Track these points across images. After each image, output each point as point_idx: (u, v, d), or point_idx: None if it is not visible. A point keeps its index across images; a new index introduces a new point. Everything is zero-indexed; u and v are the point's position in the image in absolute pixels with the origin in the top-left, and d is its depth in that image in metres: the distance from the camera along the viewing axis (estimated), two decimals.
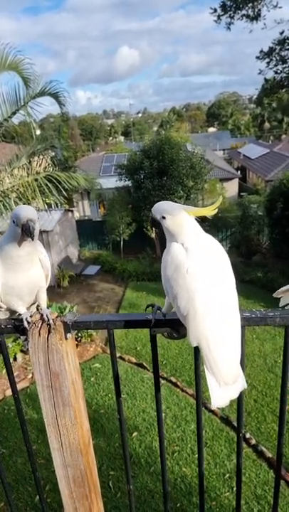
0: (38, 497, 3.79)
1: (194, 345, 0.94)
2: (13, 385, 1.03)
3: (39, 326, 0.94)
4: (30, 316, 0.97)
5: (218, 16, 9.62)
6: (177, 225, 1.00)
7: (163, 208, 1.02)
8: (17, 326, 0.96)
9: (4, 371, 6.00)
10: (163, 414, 5.06)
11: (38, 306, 1.11)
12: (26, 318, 0.96)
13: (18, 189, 6.11)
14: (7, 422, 5.00)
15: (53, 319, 0.94)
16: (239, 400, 1.11)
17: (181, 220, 1.00)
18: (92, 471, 1.05)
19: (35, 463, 1.08)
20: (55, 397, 0.95)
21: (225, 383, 0.94)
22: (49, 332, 0.92)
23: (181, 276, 0.94)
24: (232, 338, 0.96)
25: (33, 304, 1.14)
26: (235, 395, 0.99)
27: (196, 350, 1.09)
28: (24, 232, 0.99)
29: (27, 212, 1.00)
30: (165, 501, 1.21)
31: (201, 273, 0.94)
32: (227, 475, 4.17)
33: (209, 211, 1.02)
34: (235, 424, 4.78)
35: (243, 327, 1.03)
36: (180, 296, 0.93)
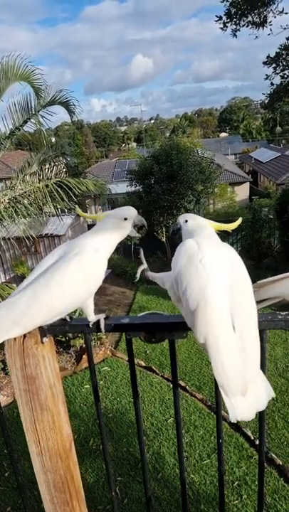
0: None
1: (201, 342, 0.86)
2: None
3: None
4: None
5: (224, 24, 9.62)
6: (196, 227, 1.08)
7: (188, 214, 1.15)
8: None
9: None
10: (170, 420, 5.02)
11: None
12: None
13: (29, 195, 6.23)
14: (16, 425, 5.06)
15: None
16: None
17: (199, 224, 1.09)
18: (73, 477, 1.05)
19: (17, 468, 1.09)
20: (33, 401, 0.96)
21: (232, 393, 0.84)
22: (24, 336, 0.94)
23: (194, 265, 0.92)
24: (246, 345, 0.88)
25: None
26: (260, 407, 0.89)
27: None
28: None
29: None
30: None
31: (214, 267, 0.92)
32: (236, 482, 4.09)
33: (229, 227, 1.13)
34: (245, 431, 4.71)
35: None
36: (190, 287, 0.90)
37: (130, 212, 1.09)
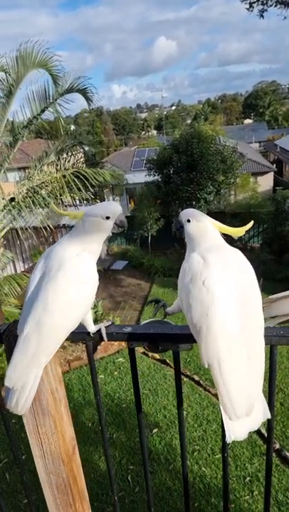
0: None
1: (205, 366, 0.85)
2: None
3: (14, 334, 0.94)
4: (10, 325, 0.98)
5: (250, 4, 9.19)
6: (199, 231, 1.00)
7: (190, 212, 1.04)
8: None
9: None
10: (184, 413, 5.05)
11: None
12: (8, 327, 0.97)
13: (47, 186, 6.25)
14: None
15: None
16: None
17: (204, 227, 1.00)
18: (76, 480, 1.04)
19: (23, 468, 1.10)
20: (34, 406, 0.95)
21: (236, 416, 0.83)
22: None
23: (196, 287, 0.88)
24: (252, 363, 0.85)
25: None
26: (254, 427, 0.88)
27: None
28: None
29: None
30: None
31: (219, 287, 0.87)
32: (248, 478, 4.08)
33: (236, 232, 1.01)
34: (259, 427, 4.67)
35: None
36: (193, 309, 0.87)
37: (113, 210, 0.98)
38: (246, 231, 0.98)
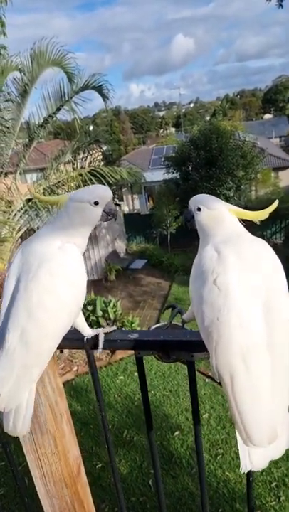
0: None
1: (217, 380, 0.72)
2: None
3: None
4: None
5: None
6: (213, 221, 0.84)
7: (200, 199, 0.87)
8: None
9: None
10: (206, 415, 4.87)
11: None
12: None
13: (63, 185, 6.23)
14: None
15: None
16: None
17: (218, 216, 0.84)
18: (82, 503, 0.93)
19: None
20: (31, 424, 0.85)
21: (253, 444, 0.69)
22: None
23: (207, 286, 0.74)
24: (276, 378, 0.70)
25: None
26: (276, 455, 0.74)
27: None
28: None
29: None
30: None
31: (234, 286, 0.72)
32: (274, 483, 3.90)
33: (257, 216, 0.85)
34: None
35: None
36: (203, 313, 0.73)
37: (102, 194, 0.83)
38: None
